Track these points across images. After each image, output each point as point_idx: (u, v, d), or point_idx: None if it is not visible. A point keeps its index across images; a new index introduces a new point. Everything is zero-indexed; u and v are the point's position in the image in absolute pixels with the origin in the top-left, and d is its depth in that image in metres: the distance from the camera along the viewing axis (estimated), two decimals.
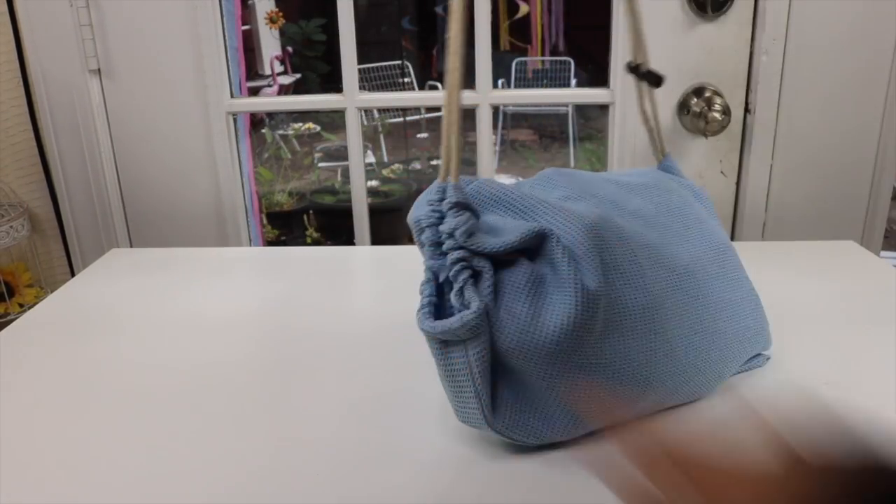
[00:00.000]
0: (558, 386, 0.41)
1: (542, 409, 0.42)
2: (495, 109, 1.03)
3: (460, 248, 0.41)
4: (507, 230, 0.42)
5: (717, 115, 0.90)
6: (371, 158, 3.39)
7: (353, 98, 1.02)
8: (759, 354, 0.53)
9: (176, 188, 1.06)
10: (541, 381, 0.41)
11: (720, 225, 0.53)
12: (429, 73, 4.42)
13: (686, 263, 0.47)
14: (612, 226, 0.44)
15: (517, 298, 0.41)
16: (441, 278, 0.42)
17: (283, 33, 4.18)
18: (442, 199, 0.42)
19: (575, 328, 0.40)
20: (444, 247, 0.41)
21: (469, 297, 0.40)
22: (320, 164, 3.35)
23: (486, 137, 1.03)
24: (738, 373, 0.52)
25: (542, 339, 0.40)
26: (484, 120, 1.01)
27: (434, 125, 4.08)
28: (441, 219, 0.42)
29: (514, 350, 0.41)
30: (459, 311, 0.40)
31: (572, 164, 4.06)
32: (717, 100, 0.92)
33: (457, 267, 0.41)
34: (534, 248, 0.42)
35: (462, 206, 0.42)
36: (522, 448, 0.44)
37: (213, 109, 1.01)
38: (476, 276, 0.41)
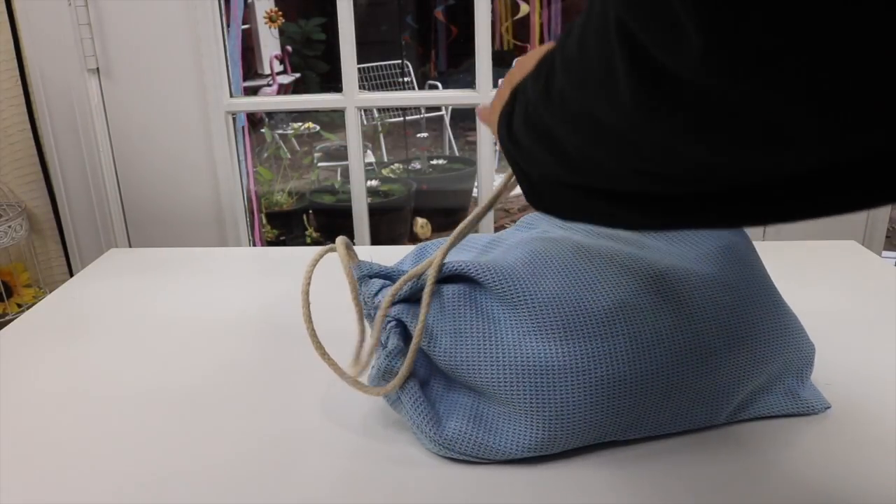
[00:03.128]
0: (519, 393, 0.41)
1: (504, 427, 0.42)
2: None
3: (377, 308, 0.45)
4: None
5: None
6: (371, 158, 3.39)
7: (352, 97, 1.01)
8: (812, 392, 0.48)
9: (175, 188, 1.06)
10: (501, 392, 0.42)
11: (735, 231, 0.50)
12: (428, 73, 4.42)
13: (666, 267, 0.45)
14: (543, 244, 0.47)
15: (461, 316, 0.43)
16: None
17: (282, 32, 4.18)
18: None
19: (514, 329, 0.42)
20: (374, 316, 0.46)
21: (392, 344, 0.44)
22: (320, 164, 3.34)
23: (486, 137, 1.02)
24: (789, 415, 0.47)
25: (483, 346, 0.42)
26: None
27: (434, 124, 4.07)
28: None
29: (462, 363, 0.42)
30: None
31: None
32: None
33: (382, 324, 0.45)
34: (445, 279, 0.45)
35: (362, 278, 0.46)
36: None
37: (212, 109, 1.01)
38: (400, 324, 0.44)
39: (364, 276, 0.46)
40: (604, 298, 0.43)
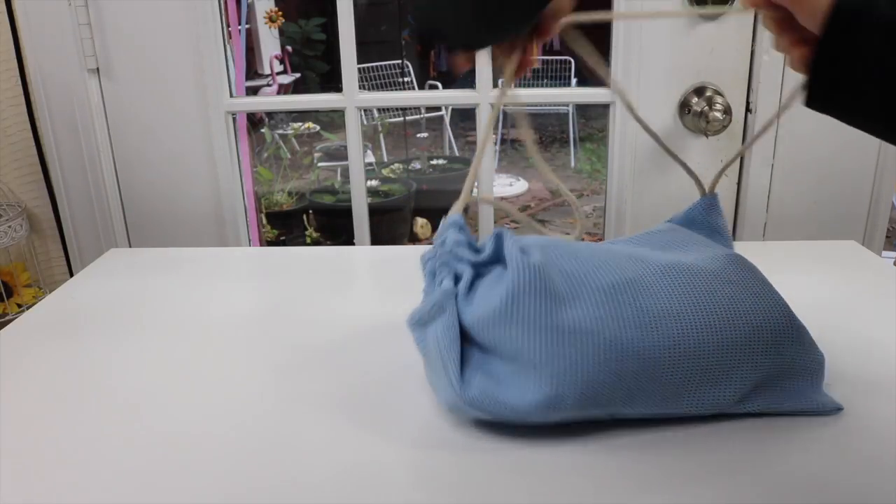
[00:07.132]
0: (529, 349, 0.44)
1: (514, 383, 0.44)
2: None
3: (448, 252, 0.48)
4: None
5: (718, 114, 0.90)
6: (371, 158, 3.39)
7: (352, 97, 1.01)
8: (823, 395, 0.49)
9: (175, 188, 1.06)
10: (511, 346, 0.44)
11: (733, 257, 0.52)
12: (428, 73, 4.42)
13: (675, 259, 0.49)
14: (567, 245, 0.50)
15: (489, 289, 0.47)
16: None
17: (282, 32, 4.18)
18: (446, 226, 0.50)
19: (525, 291, 0.44)
20: (439, 254, 0.48)
21: (447, 284, 0.47)
22: (320, 164, 3.35)
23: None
24: (798, 414, 0.48)
25: (497, 305, 0.45)
26: (484, 119, 1.01)
27: (434, 125, 4.08)
28: (435, 255, 0.49)
29: (481, 322, 0.45)
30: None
31: (573, 164, 4.06)
32: (718, 99, 0.91)
33: (444, 268, 0.48)
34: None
35: (458, 226, 0.49)
36: (518, 448, 0.44)
37: (212, 109, 1.01)
38: (457, 278, 0.47)
39: (451, 224, 0.49)
40: (610, 275, 0.47)
